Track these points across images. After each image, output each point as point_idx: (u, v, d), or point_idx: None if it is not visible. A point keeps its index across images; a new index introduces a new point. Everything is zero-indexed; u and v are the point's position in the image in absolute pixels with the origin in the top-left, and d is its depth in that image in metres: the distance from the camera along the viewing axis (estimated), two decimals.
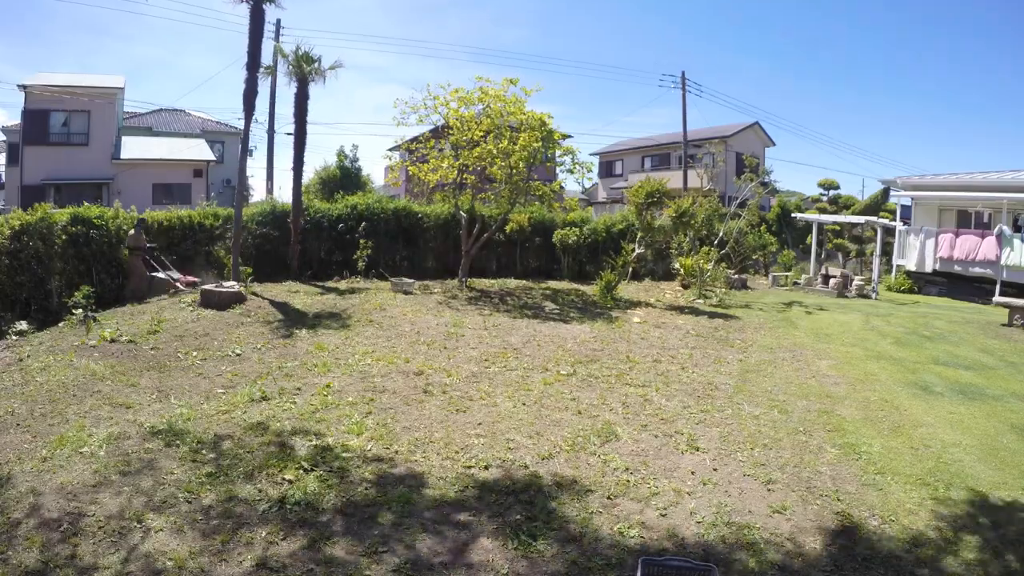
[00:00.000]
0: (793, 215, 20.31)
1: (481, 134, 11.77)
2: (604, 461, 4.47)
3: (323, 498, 3.83)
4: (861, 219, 17.33)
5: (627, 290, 12.73)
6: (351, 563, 3.20)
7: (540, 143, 11.76)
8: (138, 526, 3.43)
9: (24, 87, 22.53)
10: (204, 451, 4.41)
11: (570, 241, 14.39)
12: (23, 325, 7.94)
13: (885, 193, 22.55)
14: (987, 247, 13.85)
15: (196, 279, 10.55)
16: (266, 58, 11.79)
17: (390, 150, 29.64)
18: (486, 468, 4.32)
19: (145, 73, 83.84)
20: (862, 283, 14.22)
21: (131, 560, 3.14)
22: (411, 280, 11.71)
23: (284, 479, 4.03)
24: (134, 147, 24.86)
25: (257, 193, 31.88)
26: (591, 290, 12.28)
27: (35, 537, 3.28)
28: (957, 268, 14.52)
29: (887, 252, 16.65)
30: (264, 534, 3.42)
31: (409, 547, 3.37)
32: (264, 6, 10.67)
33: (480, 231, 12.75)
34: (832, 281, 14.30)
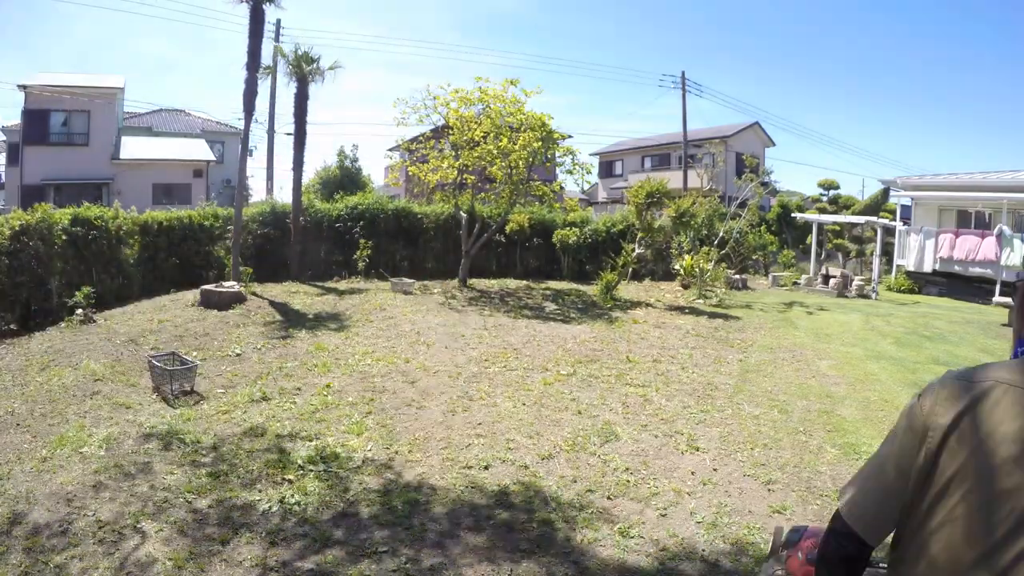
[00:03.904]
0: (793, 215, 20.30)
1: (481, 135, 11.77)
2: (604, 461, 4.47)
3: (323, 499, 3.82)
4: (861, 219, 17.31)
5: (627, 290, 12.72)
6: (352, 566, 3.20)
7: (540, 143, 11.76)
8: (137, 529, 3.43)
9: (24, 87, 22.53)
10: (203, 452, 4.41)
11: (570, 241, 14.38)
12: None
13: (885, 193, 22.53)
14: (987, 247, 13.84)
15: None
16: (266, 58, 11.81)
17: (390, 150, 29.66)
18: (486, 468, 4.31)
19: (145, 73, 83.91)
20: (862, 283, 14.21)
21: (130, 563, 3.13)
22: (411, 280, 11.71)
23: (284, 479, 4.03)
24: (134, 147, 24.85)
25: (257, 193, 31.81)
26: (591, 290, 12.27)
27: (33, 539, 3.28)
28: (957, 268, 14.50)
29: (887, 252, 16.63)
30: (264, 536, 3.41)
31: (409, 549, 3.36)
32: (264, 6, 10.67)
33: (480, 231, 12.75)
34: (832, 281, 14.29)
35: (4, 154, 29.47)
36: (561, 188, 15.03)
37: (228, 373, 6.26)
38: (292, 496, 3.81)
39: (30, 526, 3.39)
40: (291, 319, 8.66)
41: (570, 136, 14.67)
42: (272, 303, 9.57)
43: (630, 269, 13.29)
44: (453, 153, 12.75)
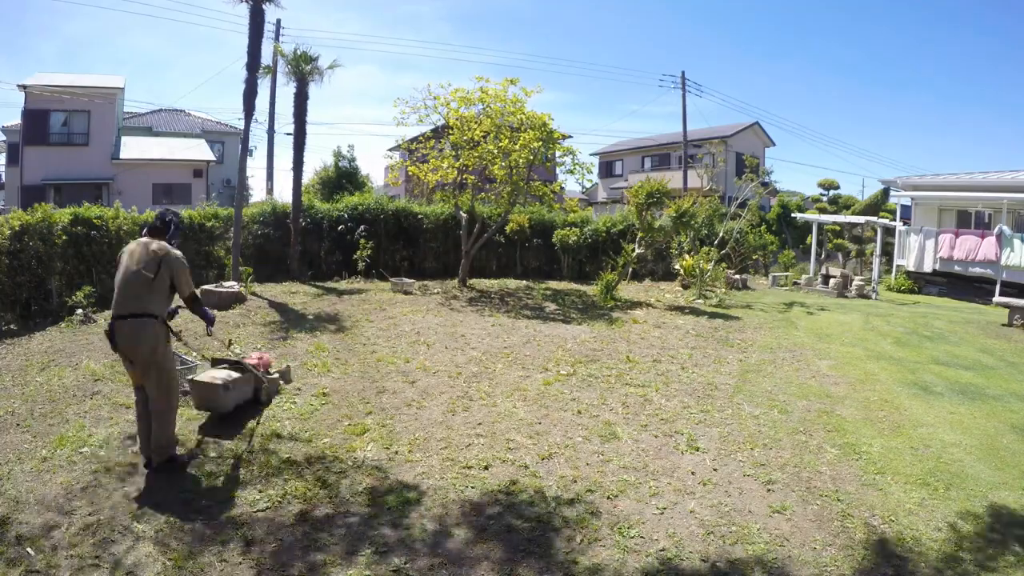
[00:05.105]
0: (793, 215, 20.31)
1: (481, 134, 11.77)
2: (604, 461, 4.47)
3: (322, 499, 3.82)
4: (861, 219, 17.31)
5: (627, 290, 12.72)
6: (351, 566, 3.20)
7: (540, 143, 11.76)
8: (135, 529, 3.43)
9: (24, 87, 22.53)
10: (203, 452, 4.40)
11: (570, 241, 14.39)
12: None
13: (885, 193, 22.55)
14: (987, 247, 13.84)
15: None
16: (266, 58, 11.79)
17: (390, 150, 29.67)
18: (486, 468, 4.32)
19: (144, 73, 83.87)
20: (862, 283, 14.21)
21: (128, 563, 3.13)
22: (411, 280, 11.71)
23: (284, 479, 4.03)
24: (134, 147, 24.85)
25: (257, 193, 31.87)
26: (591, 290, 12.27)
27: (33, 539, 3.28)
28: (957, 268, 14.51)
29: (887, 252, 16.64)
30: (263, 536, 3.41)
31: (408, 549, 3.36)
32: (264, 6, 10.67)
33: (480, 231, 12.75)
34: (832, 281, 14.30)
35: (4, 154, 29.48)
36: (561, 188, 15.02)
37: None
38: (292, 496, 3.81)
39: (30, 526, 3.39)
40: (291, 319, 8.66)
41: (570, 136, 14.68)
42: (272, 303, 9.57)
43: (630, 269, 13.29)
44: (453, 153, 12.74)
